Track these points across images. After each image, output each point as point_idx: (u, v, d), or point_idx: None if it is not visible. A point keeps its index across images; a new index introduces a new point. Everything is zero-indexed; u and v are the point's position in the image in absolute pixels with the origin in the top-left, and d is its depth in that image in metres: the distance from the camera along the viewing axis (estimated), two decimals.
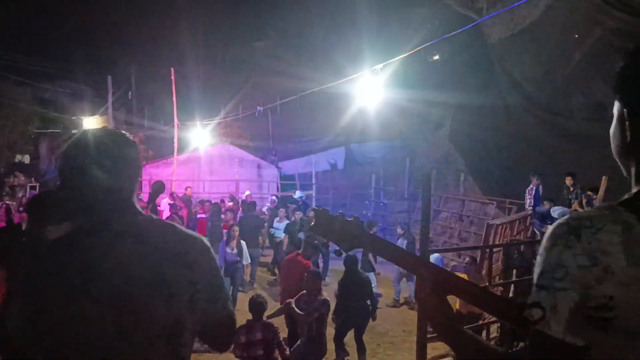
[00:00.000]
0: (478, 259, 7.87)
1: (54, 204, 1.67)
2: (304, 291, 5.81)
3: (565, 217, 1.11)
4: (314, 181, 18.60)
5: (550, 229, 1.12)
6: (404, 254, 1.69)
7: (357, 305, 6.61)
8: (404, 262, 1.64)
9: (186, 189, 14.65)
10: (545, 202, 10.79)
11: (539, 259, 1.11)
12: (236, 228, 9.29)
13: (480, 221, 13.34)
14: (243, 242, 9.17)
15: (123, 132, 1.60)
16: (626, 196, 1.12)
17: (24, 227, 1.86)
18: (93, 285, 1.35)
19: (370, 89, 10.28)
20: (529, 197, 11.17)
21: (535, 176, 11.25)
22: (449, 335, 1.42)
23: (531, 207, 11.05)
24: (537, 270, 1.11)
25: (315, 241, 8.02)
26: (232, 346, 4.72)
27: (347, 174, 22.66)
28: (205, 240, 1.60)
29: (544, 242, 1.11)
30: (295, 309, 5.75)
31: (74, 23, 34.28)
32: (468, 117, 16.28)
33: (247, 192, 15.47)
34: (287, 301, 6.06)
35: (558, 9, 12.55)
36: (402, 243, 10.09)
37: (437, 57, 19.46)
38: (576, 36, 13.49)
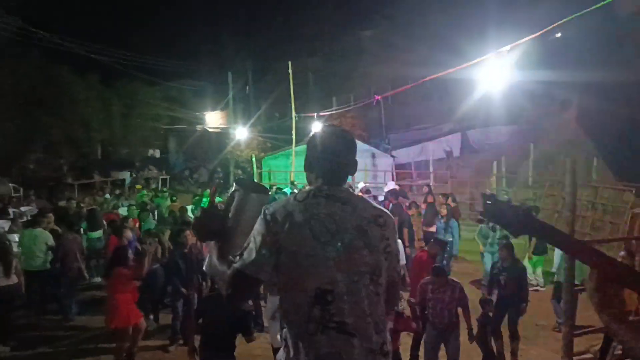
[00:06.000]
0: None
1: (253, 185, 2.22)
2: (429, 278, 5.81)
3: None
4: (431, 169, 18.17)
5: None
6: (574, 242, 1.67)
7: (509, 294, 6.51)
8: (574, 249, 1.62)
9: None
10: None
11: None
12: None
13: (616, 209, 12.39)
14: None
15: (349, 133, 2.15)
16: None
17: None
18: (321, 232, 1.85)
19: (490, 72, 9.75)
20: None
21: None
22: (621, 327, 1.40)
23: None
24: None
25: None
26: None
27: (464, 161, 21.93)
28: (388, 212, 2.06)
29: None
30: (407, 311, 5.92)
31: (198, 24, 36.54)
32: (598, 96, 15.11)
33: (392, 185, 15.23)
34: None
35: None
36: None
37: (559, 34, 18.29)
38: None
